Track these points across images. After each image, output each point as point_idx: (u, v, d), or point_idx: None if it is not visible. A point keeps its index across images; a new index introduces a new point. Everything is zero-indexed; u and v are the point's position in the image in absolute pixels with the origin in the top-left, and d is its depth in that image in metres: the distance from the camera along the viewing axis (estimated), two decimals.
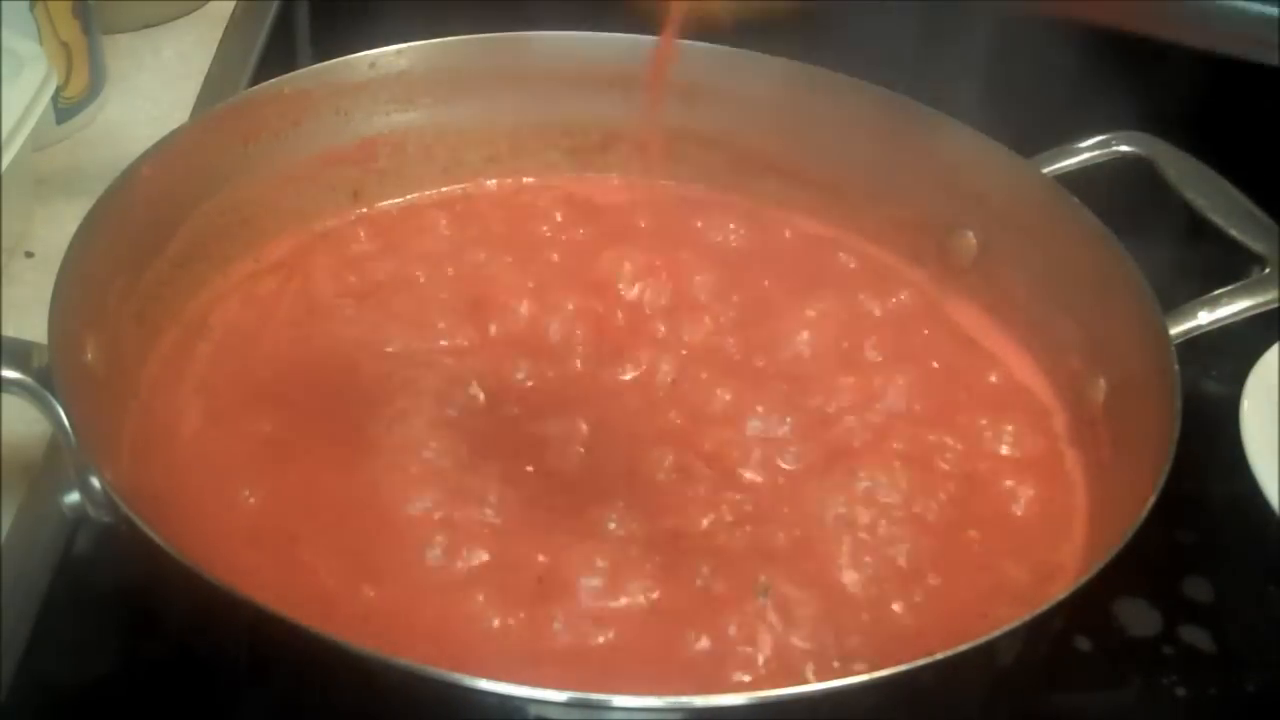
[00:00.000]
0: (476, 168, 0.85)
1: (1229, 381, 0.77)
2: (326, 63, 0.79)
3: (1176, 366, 0.64)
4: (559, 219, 0.81)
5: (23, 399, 0.57)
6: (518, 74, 0.84)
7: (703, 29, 0.79)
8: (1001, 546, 0.65)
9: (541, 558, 0.60)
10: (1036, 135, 0.81)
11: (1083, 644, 0.67)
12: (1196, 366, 0.73)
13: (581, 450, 0.66)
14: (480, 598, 0.58)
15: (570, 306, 0.74)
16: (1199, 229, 0.75)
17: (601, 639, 0.58)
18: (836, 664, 0.57)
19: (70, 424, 0.56)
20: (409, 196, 0.83)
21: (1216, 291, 0.70)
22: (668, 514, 0.63)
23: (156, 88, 0.96)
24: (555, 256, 0.78)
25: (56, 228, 0.77)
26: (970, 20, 0.97)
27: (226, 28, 1.02)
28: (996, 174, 0.78)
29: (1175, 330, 0.67)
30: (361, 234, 0.79)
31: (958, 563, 0.64)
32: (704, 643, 0.58)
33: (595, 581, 0.59)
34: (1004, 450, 0.70)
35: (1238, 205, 0.75)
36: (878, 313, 0.77)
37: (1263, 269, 0.72)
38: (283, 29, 1.09)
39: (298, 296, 0.74)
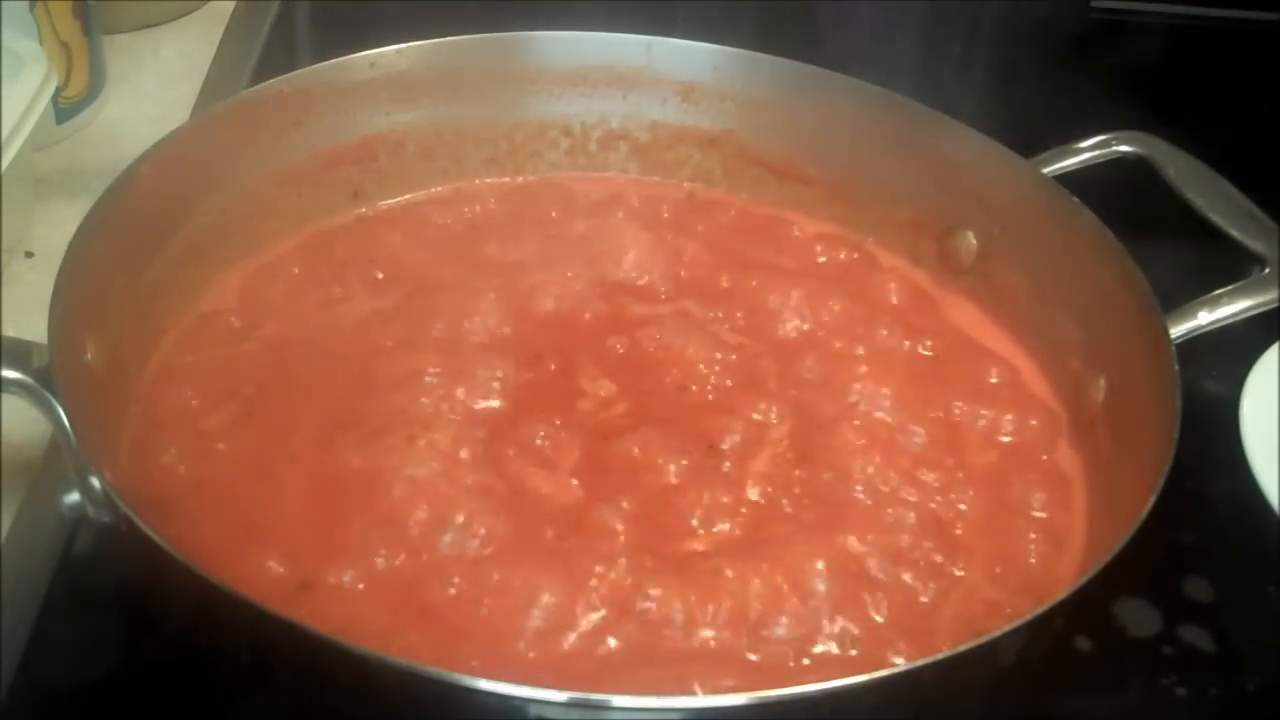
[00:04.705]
0: (476, 168, 0.85)
1: (1229, 381, 0.77)
2: (326, 63, 0.79)
3: (1176, 366, 0.64)
4: (558, 219, 0.82)
5: (23, 399, 0.57)
6: (518, 74, 0.84)
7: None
8: (1001, 546, 0.65)
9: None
10: (1036, 135, 0.81)
11: (1083, 644, 0.67)
12: (1196, 366, 0.72)
13: (579, 456, 0.66)
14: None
15: (570, 306, 0.74)
16: (1199, 229, 0.75)
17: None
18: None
19: (70, 424, 0.56)
20: (409, 196, 0.83)
21: (1216, 291, 0.70)
22: (667, 508, 0.64)
23: (156, 88, 0.96)
24: (555, 256, 0.78)
25: (56, 228, 0.78)
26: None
27: (226, 28, 1.02)
28: (996, 174, 0.78)
29: (1175, 330, 0.67)
30: (362, 234, 0.79)
31: (955, 561, 0.64)
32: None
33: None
34: (1003, 450, 0.70)
35: (1238, 205, 0.75)
36: (877, 313, 0.77)
37: (1263, 269, 0.72)
38: (283, 29, 1.09)
39: (299, 296, 0.74)
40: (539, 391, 0.69)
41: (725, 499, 0.64)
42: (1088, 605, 0.57)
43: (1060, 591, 0.55)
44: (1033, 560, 0.65)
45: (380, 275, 0.76)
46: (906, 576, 0.62)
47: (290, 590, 0.58)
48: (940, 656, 0.51)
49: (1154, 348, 0.66)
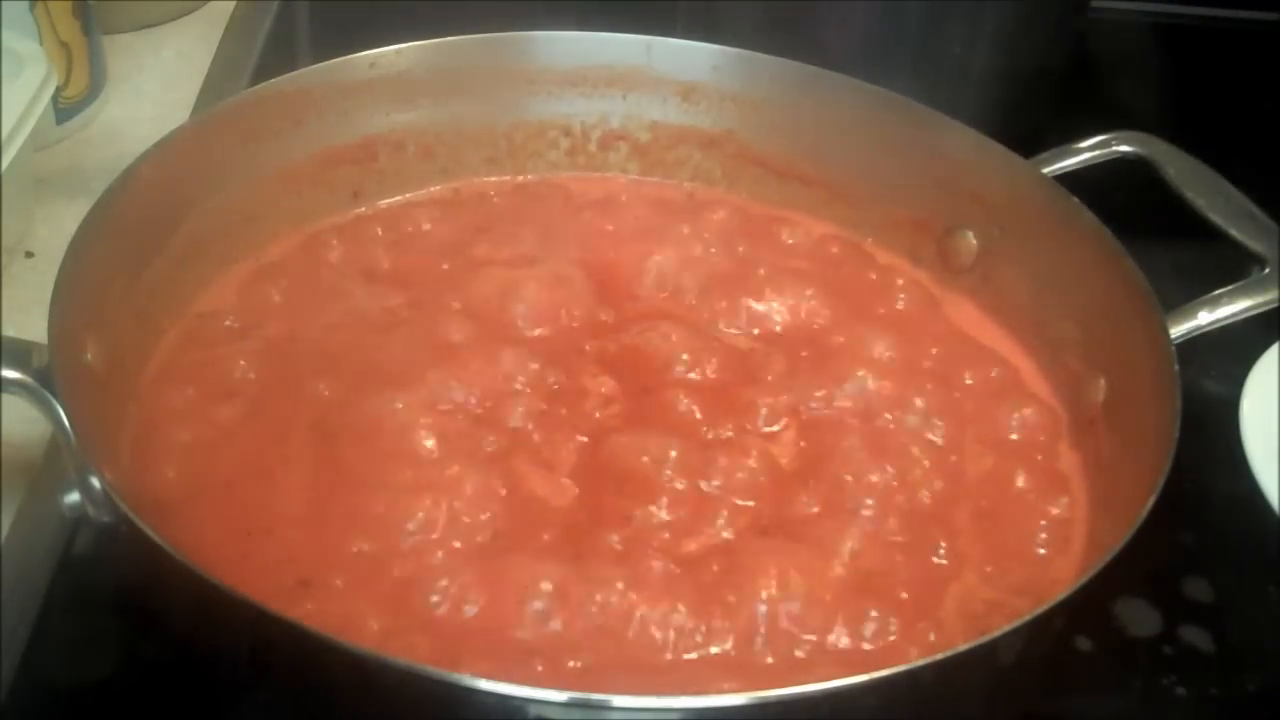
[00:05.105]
0: (476, 168, 0.85)
1: (1229, 381, 0.77)
2: (326, 62, 0.79)
3: (1176, 366, 0.64)
4: (558, 220, 0.82)
5: (23, 399, 0.57)
6: (518, 74, 0.84)
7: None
8: (1000, 546, 0.65)
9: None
10: (1036, 135, 0.81)
11: (1083, 644, 0.67)
12: (1196, 366, 0.72)
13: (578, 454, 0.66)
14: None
15: (570, 306, 0.74)
16: (1199, 229, 0.75)
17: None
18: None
19: (70, 424, 0.56)
20: (409, 196, 0.83)
21: (1216, 291, 0.70)
22: (668, 508, 0.64)
23: (156, 88, 0.96)
24: (555, 256, 0.78)
25: (56, 228, 0.78)
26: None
27: (226, 28, 1.02)
28: (996, 174, 0.78)
29: (1175, 330, 0.67)
30: (362, 234, 0.79)
31: (954, 561, 0.64)
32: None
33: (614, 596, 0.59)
34: (1003, 450, 0.70)
35: (1238, 205, 0.75)
36: (877, 312, 0.77)
37: (1263, 269, 0.72)
38: (283, 29, 1.09)
39: (299, 296, 0.74)
40: (539, 391, 0.69)
41: (725, 499, 0.64)
42: (1088, 605, 0.57)
43: (1060, 591, 0.55)
44: (1032, 560, 0.65)
45: (380, 276, 0.76)
46: (905, 576, 0.62)
47: (290, 589, 0.58)
48: (940, 656, 0.51)
49: (1154, 348, 0.66)
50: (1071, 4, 1.10)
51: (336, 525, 0.61)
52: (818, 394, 0.71)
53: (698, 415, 0.69)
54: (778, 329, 0.75)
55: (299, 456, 0.64)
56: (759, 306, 0.76)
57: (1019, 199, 0.77)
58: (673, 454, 0.65)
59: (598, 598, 0.58)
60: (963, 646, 0.52)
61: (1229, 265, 0.73)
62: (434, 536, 0.61)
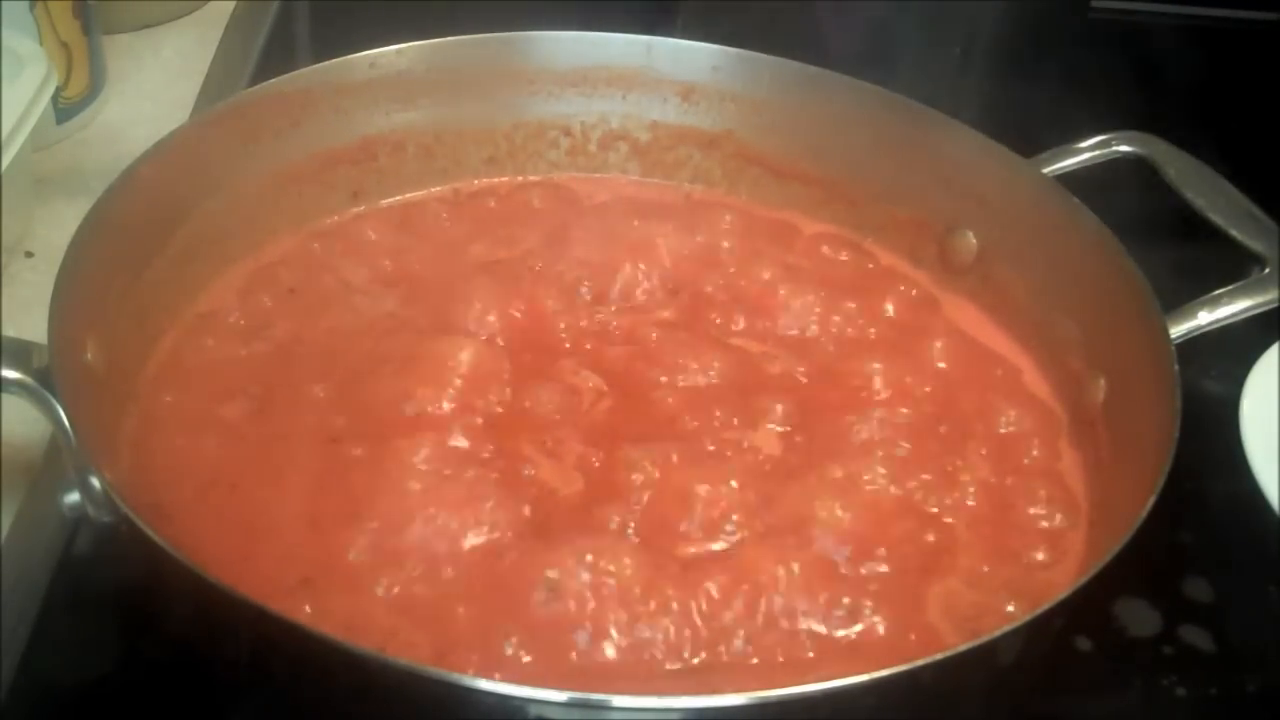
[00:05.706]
0: (476, 168, 0.85)
1: (1229, 381, 0.77)
2: (326, 63, 0.79)
3: (1176, 366, 0.64)
4: (558, 219, 0.82)
5: (23, 399, 0.57)
6: (518, 74, 0.84)
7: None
8: (999, 546, 0.65)
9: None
10: (1036, 135, 0.81)
11: (1083, 644, 0.67)
12: (1196, 366, 0.72)
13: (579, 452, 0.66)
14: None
15: (571, 306, 0.74)
16: (1199, 229, 0.75)
17: None
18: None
19: (70, 424, 0.56)
20: (408, 196, 0.83)
21: (1216, 291, 0.70)
22: (670, 508, 0.64)
23: (156, 88, 0.96)
24: (555, 257, 0.78)
25: (56, 228, 0.77)
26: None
27: (226, 28, 1.02)
28: (996, 174, 0.78)
29: (1175, 330, 0.67)
30: (361, 234, 0.79)
31: (954, 561, 0.64)
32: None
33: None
34: (1003, 450, 0.70)
35: (1238, 205, 0.75)
36: (877, 313, 0.77)
37: (1263, 269, 0.72)
38: (283, 29, 1.09)
39: (299, 296, 0.74)
40: (541, 391, 0.69)
41: (726, 500, 0.64)
42: (1088, 605, 0.57)
43: (1059, 592, 0.55)
44: (1032, 560, 0.65)
45: (379, 275, 0.76)
46: (905, 576, 0.62)
47: (291, 589, 0.58)
48: (940, 656, 0.51)
49: (1154, 348, 0.66)
50: (1071, 4, 1.11)
51: (338, 525, 0.61)
52: (816, 394, 0.71)
53: (696, 415, 0.69)
54: (777, 330, 0.75)
55: (299, 456, 0.64)
56: (758, 307, 0.76)
57: (1019, 199, 0.77)
58: (674, 455, 0.66)
59: (601, 596, 0.58)
60: (962, 646, 0.52)
61: (1229, 265, 0.73)
62: (437, 534, 0.60)
